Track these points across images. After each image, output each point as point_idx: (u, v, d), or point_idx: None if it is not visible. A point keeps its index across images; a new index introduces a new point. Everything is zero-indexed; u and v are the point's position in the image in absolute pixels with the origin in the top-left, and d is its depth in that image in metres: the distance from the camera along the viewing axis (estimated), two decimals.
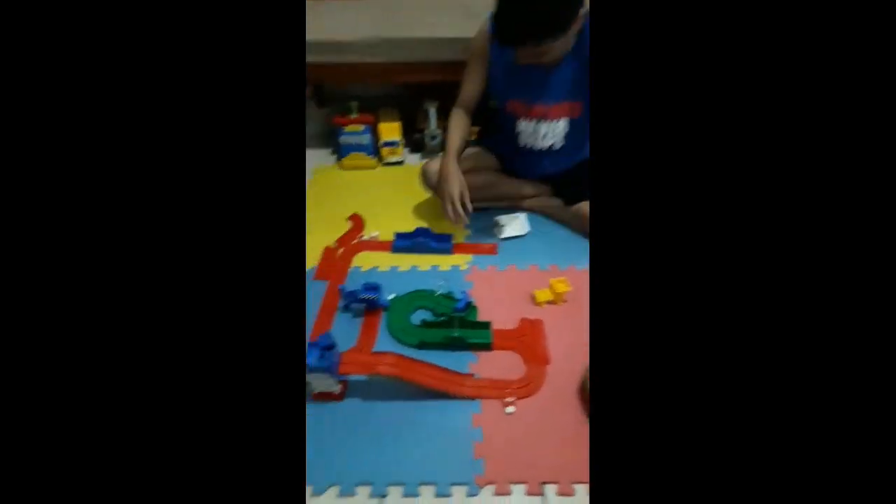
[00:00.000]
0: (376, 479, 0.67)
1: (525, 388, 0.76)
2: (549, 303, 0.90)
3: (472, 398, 0.76)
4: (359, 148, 1.29)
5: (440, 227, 1.06)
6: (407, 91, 1.42)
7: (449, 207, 0.96)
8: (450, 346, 0.82)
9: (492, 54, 0.96)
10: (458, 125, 1.01)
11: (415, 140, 1.35)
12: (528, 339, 0.83)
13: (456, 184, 0.96)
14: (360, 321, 0.89)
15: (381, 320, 0.89)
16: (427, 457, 0.69)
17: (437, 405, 0.75)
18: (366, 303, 0.89)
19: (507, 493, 0.66)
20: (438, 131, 1.28)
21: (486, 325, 0.84)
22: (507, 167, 1.12)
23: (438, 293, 0.91)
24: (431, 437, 0.72)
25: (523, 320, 0.87)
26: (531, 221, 1.08)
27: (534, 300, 0.91)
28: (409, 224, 1.10)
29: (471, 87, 1.00)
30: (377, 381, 0.77)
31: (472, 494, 0.66)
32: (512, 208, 1.11)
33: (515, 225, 1.06)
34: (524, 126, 1.00)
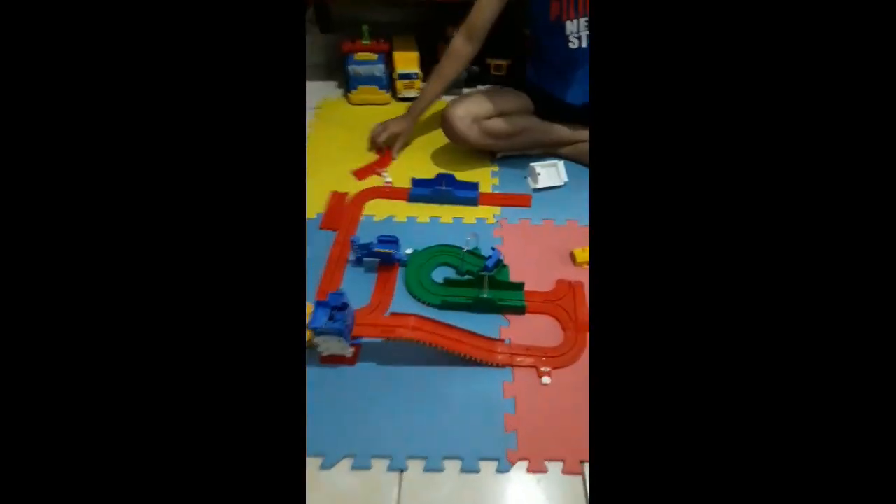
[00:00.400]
0: (395, 451, 0.64)
1: (563, 356, 0.72)
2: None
3: (505, 366, 0.71)
4: (370, 80, 1.18)
5: (465, 174, 0.98)
6: (425, 16, 1.29)
7: (381, 135, 1.04)
8: (477, 308, 0.77)
9: None
10: (449, 66, 0.99)
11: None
12: (565, 303, 0.78)
13: (400, 129, 1.04)
14: (373, 277, 0.83)
15: (398, 277, 0.83)
16: (452, 429, 0.66)
17: (463, 372, 0.71)
18: (381, 257, 0.83)
19: (542, 471, 0.62)
20: None
21: (518, 287, 0.78)
22: (542, 109, 1.03)
23: (465, 249, 0.84)
24: (457, 407, 0.68)
25: (560, 282, 0.81)
26: (569, 170, 1.00)
27: (573, 260, 0.84)
28: (428, 170, 1.01)
29: (487, 7, 0.92)
30: (394, 345, 0.72)
31: (502, 471, 0.62)
32: (548, 156, 1.03)
33: (552, 173, 0.98)
34: (572, 27, 0.94)
